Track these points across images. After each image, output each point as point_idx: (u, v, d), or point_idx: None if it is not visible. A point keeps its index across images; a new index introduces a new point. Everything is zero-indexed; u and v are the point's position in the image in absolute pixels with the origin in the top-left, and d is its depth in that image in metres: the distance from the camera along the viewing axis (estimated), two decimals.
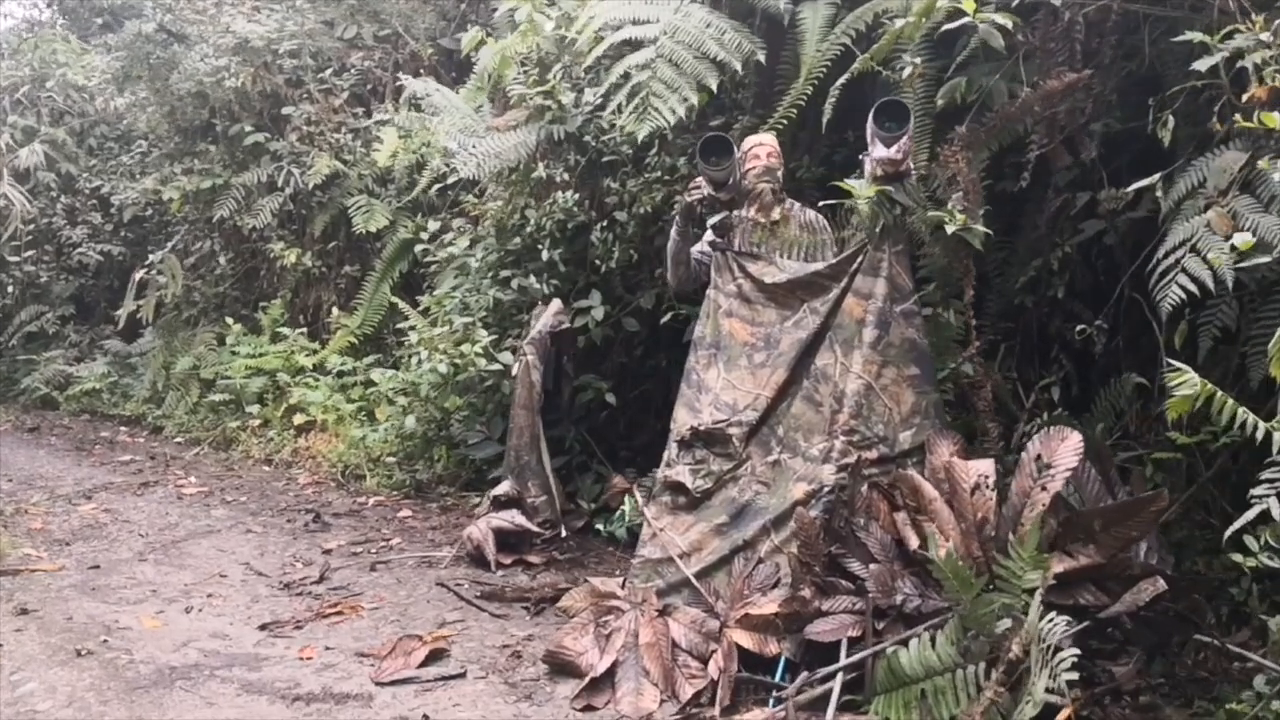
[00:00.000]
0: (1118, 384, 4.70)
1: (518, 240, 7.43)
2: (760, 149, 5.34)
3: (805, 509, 4.28)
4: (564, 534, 6.16)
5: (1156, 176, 4.33)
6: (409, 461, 8.14)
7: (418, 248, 9.31)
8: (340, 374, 9.44)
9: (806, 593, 4.09)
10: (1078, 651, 3.13)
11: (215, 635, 4.94)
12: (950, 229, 4.17)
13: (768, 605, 4.13)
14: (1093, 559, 3.77)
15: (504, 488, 6.13)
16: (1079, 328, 4.59)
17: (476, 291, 7.74)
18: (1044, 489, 3.82)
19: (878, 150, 4.31)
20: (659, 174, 6.88)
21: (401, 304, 7.98)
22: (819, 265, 4.69)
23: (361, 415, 9.03)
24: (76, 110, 13.46)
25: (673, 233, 5.41)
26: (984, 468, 4.02)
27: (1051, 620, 3.24)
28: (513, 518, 5.99)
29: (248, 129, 10.54)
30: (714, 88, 5.70)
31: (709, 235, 5.45)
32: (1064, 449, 3.85)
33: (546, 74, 7.31)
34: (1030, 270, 5.39)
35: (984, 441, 4.47)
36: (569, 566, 5.98)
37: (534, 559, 5.97)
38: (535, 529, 6.01)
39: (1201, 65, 4.01)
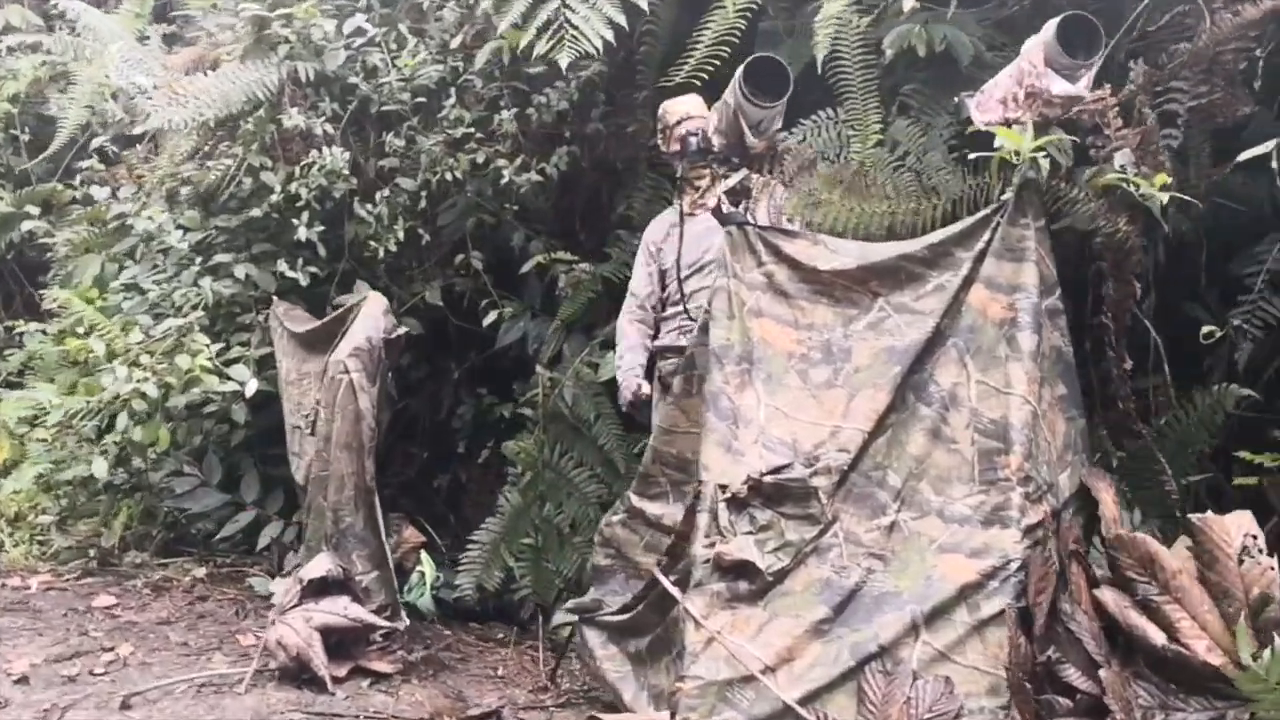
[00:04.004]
0: (1215, 396, 3.75)
1: (258, 212, 5.42)
2: (691, 123, 4.06)
3: (981, 597, 2.96)
4: (406, 624, 4.36)
5: (1271, 144, 3.42)
6: (70, 521, 5.80)
7: (26, 225, 6.85)
8: None
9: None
10: None
11: None
12: (1161, 197, 3.03)
13: None
14: None
15: (321, 565, 4.22)
16: (1205, 329, 3.60)
17: (176, 283, 5.59)
18: None
19: (1056, 84, 3.06)
20: (468, 129, 5.23)
21: (79, 300, 5.59)
22: (909, 246, 3.38)
23: None
24: None
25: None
26: (1245, 523, 2.90)
27: None
28: (344, 609, 4.12)
29: None
30: (646, 6, 4.21)
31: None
32: None
33: None
34: None
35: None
36: (435, 672, 4.21)
37: (380, 665, 4.15)
38: (379, 622, 4.18)
39: None
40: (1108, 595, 2.97)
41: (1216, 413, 3.74)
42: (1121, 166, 3.16)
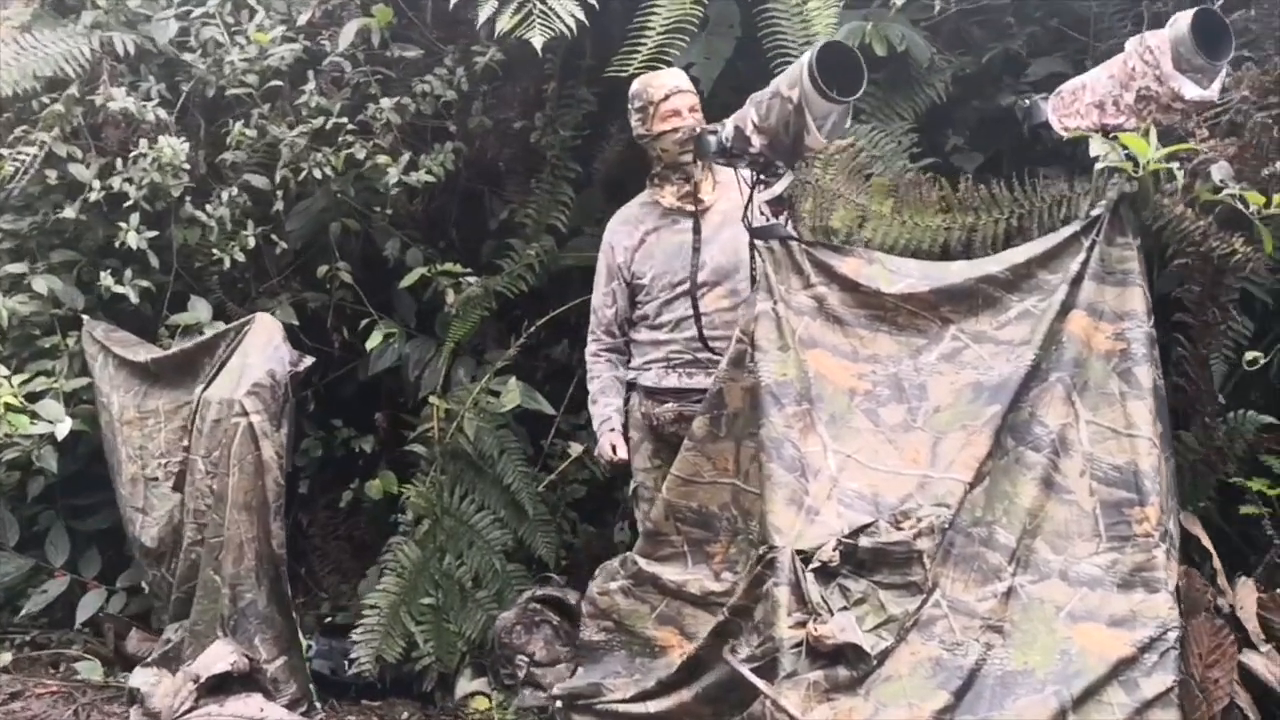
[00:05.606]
0: (1232, 424, 3.52)
1: (70, 213, 4.42)
2: (681, 98, 3.47)
3: (1139, 674, 2.57)
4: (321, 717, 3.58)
5: None
6: None
7: None
8: None
9: None
10: None
11: None
12: None
13: None
14: None
15: (222, 657, 3.38)
16: (1249, 355, 3.36)
17: None
18: None
19: (1188, 88, 2.70)
20: (339, 120, 4.44)
21: None
22: (985, 266, 2.96)
23: None
24: None
25: None
26: None
27: None
28: (260, 711, 3.31)
29: None
30: None
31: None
32: None
33: None
34: None
35: None
36: None
37: None
38: None
39: None
40: (1257, 661, 2.66)
41: (1235, 441, 3.53)
42: (1221, 180, 2.87)
